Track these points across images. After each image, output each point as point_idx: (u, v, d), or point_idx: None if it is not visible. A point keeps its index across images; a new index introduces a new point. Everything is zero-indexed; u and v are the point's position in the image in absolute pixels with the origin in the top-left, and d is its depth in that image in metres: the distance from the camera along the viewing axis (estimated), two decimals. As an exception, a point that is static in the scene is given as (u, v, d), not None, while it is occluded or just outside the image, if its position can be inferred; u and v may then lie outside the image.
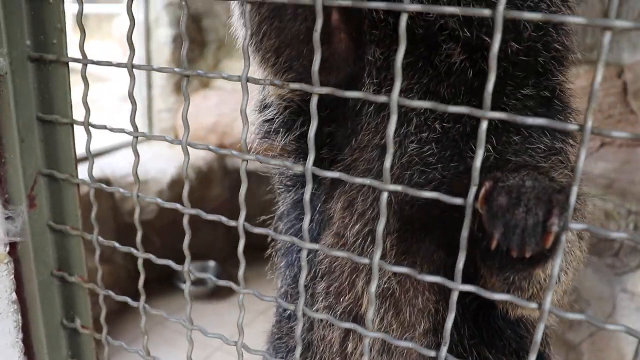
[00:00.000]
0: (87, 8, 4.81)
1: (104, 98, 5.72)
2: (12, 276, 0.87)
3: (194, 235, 0.75)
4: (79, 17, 0.74)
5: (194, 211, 0.73)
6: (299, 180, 1.18)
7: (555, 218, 0.69)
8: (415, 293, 1.05)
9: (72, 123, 0.84)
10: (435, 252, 1.04)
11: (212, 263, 4.73)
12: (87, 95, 0.78)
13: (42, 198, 0.90)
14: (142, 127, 4.79)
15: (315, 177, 1.11)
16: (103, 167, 4.11)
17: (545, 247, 0.72)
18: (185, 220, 0.74)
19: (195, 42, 4.80)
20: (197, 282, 4.33)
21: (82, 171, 0.82)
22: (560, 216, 0.69)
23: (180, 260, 0.76)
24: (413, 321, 1.06)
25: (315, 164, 0.64)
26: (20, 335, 0.90)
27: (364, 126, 1.04)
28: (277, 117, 1.12)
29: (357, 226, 1.05)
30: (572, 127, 0.48)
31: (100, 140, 4.30)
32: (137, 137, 0.74)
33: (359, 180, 0.61)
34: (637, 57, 3.30)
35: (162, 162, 4.52)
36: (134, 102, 0.75)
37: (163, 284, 4.29)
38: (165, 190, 4.39)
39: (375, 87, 1.02)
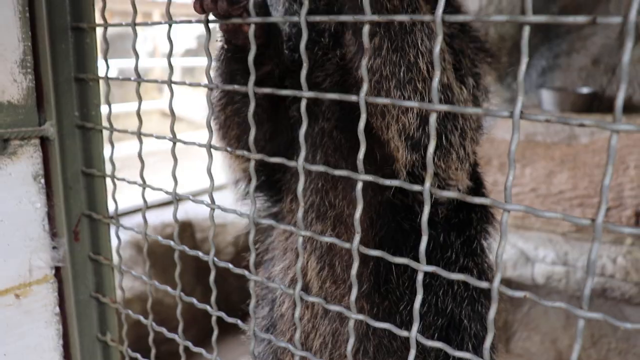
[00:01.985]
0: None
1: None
2: (56, 293, 1.11)
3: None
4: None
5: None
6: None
7: None
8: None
9: (104, 176, 1.08)
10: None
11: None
12: (112, 154, 1.02)
13: (85, 233, 1.15)
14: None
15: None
16: (188, 210, 4.49)
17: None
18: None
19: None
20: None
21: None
22: None
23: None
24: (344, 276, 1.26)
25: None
26: (61, 342, 1.13)
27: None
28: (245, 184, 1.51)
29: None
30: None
31: (187, 186, 4.73)
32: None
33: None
34: None
35: (242, 207, 4.84)
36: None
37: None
38: (243, 234, 4.69)
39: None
